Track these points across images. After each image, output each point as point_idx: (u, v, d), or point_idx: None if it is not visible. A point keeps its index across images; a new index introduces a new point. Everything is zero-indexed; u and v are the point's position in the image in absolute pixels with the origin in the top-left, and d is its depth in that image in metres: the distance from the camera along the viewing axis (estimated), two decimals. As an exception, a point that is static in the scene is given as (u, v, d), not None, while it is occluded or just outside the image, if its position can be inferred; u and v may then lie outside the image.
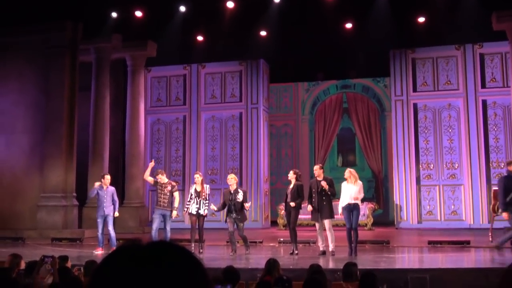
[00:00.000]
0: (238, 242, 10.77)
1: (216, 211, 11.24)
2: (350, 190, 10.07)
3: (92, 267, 6.04)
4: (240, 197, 10.51)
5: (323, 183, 10.07)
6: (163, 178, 11.08)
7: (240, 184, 17.08)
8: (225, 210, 10.76)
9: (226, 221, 10.65)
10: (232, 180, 10.75)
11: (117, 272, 0.99)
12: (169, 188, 10.97)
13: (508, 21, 14.48)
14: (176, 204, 10.98)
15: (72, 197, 15.03)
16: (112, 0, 15.81)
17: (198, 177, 11.12)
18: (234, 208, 10.46)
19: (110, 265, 1.01)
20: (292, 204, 10.35)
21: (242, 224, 10.51)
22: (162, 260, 1.00)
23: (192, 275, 1.02)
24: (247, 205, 10.63)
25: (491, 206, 10.31)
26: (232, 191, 10.62)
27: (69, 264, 6.60)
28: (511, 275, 0.97)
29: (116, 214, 11.35)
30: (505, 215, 9.90)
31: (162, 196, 10.93)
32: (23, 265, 6.20)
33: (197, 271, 1.03)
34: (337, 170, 18.14)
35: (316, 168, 10.56)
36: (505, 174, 10.39)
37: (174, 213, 10.93)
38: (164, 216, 10.85)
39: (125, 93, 17.82)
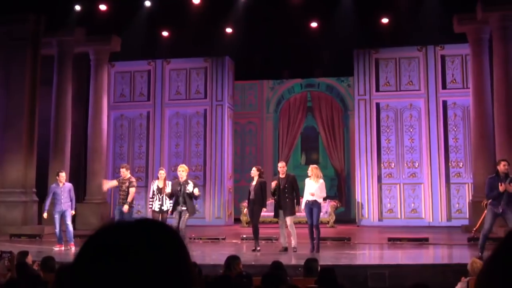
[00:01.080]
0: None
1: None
2: (310, 187, 10.21)
3: (49, 263, 5.97)
4: (190, 188, 10.08)
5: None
6: (126, 173, 11.00)
7: (203, 181, 17.14)
8: (172, 202, 10.37)
9: (172, 214, 10.28)
10: (183, 171, 10.28)
11: (92, 270, 0.92)
12: (127, 184, 10.89)
13: (469, 24, 14.82)
14: (129, 199, 10.82)
15: (32, 193, 14.73)
16: (76, -7, 15.58)
17: (162, 173, 10.99)
18: (183, 200, 10.10)
19: (85, 260, 0.94)
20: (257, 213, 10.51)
21: (187, 216, 10.09)
22: (139, 251, 0.92)
23: (174, 267, 0.95)
24: (196, 190, 10.10)
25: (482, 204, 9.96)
26: (181, 182, 10.18)
27: (29, 260, 6.51)
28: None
29: (73, 212, 11.21)
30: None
31: (121, 192, 10.88)
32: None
33: (181, 261, 0.96)
34: (300, 168, 18.25)
35: (283, 165, 10.64)
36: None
37: (125, 207, 10.72)
38: (122, 212, 10.78)
39: (88, 88, 17.52)
